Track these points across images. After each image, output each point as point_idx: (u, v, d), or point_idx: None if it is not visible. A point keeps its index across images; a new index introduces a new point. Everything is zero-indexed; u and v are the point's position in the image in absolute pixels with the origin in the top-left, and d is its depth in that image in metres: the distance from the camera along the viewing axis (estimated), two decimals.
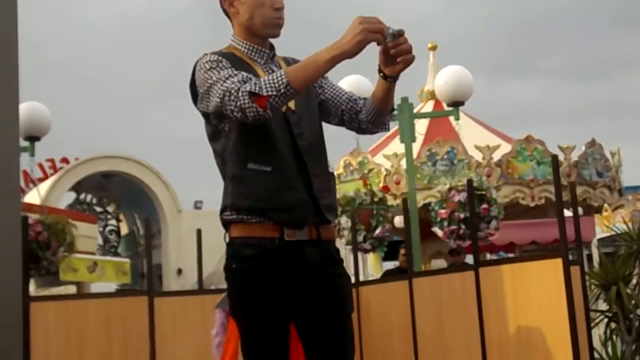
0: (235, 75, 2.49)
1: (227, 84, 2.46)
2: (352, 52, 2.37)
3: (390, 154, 13.05)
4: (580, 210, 14.12)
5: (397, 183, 12.71)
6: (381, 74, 2.54)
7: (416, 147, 11.57)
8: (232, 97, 2.43)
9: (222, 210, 2.67)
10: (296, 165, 2.61)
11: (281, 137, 2.60)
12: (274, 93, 2.39)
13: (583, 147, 13.74)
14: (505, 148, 13.24)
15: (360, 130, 2.78)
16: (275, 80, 2.40)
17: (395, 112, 2.87)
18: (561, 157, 13.38)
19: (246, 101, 2.41)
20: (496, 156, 12.86)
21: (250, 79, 2.46)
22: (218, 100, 2.49)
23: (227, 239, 2.65)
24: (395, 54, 2.44)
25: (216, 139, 2.68)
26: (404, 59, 2.45)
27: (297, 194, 2.58)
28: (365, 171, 13.22)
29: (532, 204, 12.94)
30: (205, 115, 2.64)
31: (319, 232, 2.64)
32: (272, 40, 2.74)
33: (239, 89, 2.43)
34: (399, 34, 2.41)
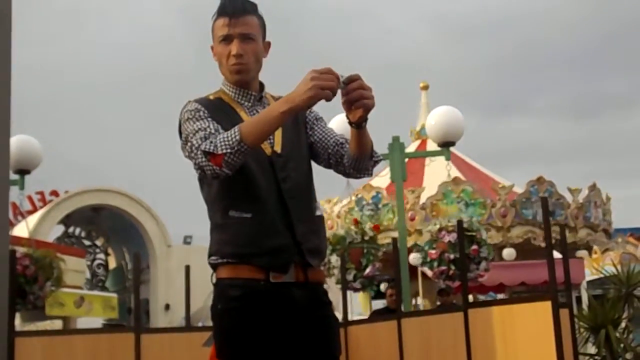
0: (203, 129, 2.52)
1: (193, 140, 2.50)
2: (302, 107, 2.39)
3: (408, 191, 13.11)
4: (585, 252, 14.19)
5: (411, 219, 12.73)
6: (348, 121, 2.55)
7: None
8: (193, 154, 2.49)
9: (209, 256, 2.69)
10: (280, 209, 2.61)
11: (264, 181, 2.60)
12: (228, 151, 2.40)
13: (586, 191, 13.87)
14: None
15: (345, 174, 2.78)
16: (229, 138, 2.41)
17: (379, 156, 2.83)
18: (569, 199, 13.50)
19: (203, 160, 2.44)
20: (422, 199, 12.93)
21: (212, 134, 2.48)
22: (186, 154, 2.56)
23: (214, 280, 2.65)
24: (350, 101, 2.43)
25: (202, 186, 2.72)
26: (361, 105, 2.44)
27: (279, 239, 2.58)
28: (380, 206, 13.28)
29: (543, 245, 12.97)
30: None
31: (306, 275, 2.63)
32: (263, 79, 2.77)
33: (198, 146, 2.47)
34: (350, 80, 2.40)
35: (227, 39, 2.67)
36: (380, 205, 13.15)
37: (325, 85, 2.33)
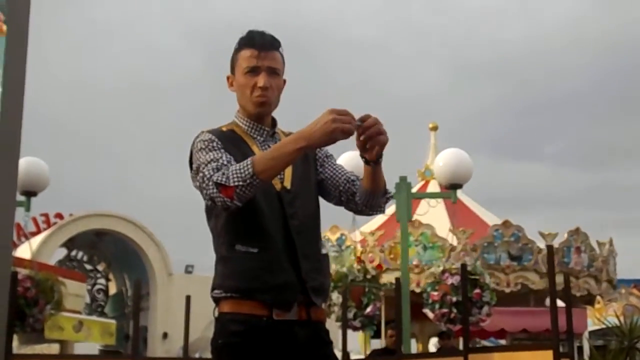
0: (216, 160, 2.51)
1: (205, 170, 2.49)
2: (319, 145, 2.41)
3: (367, 231, 13.09)
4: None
5: (371, 262, 12.61)
6: (362, 159, 2.56)
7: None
8: (204, 185, 2.47)
9: (212, 289, 2.66)
10: (285, 245, 2.59)
11: (272, 217, 2.59)
12: (240, 184, 2.39)
13: (565, 235, 13.67)
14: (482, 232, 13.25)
15: (357, 212, 2.77)
16: (242, 171, 2.40)
17: (391, 193, 2.83)
18: (541, 244, 13.32)
19: (214, 191, 2.43)
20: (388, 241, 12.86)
21: (225, 165, 2.48)
22: (198, 184, 2.54)
23: (216, 314, 2.63)
24: (369, 137, 2.45)
25: (209, 218, 2.69)
26: (378, 141, 2.46)
27: (284, 276, 2.56)
28: (429, 244, 13.18)
29: (578, 294, 12.91)
30: (201, 192, 2.66)
31: (309, 313, 2.61)
32: (276, 115, 2.78)
33: (210, 177, 2.45)
34: (363, 119, 2.42)
35: (254, 71, 2.66)
36: (343, 247, 13.09)
37: (345, 128, 2.35)
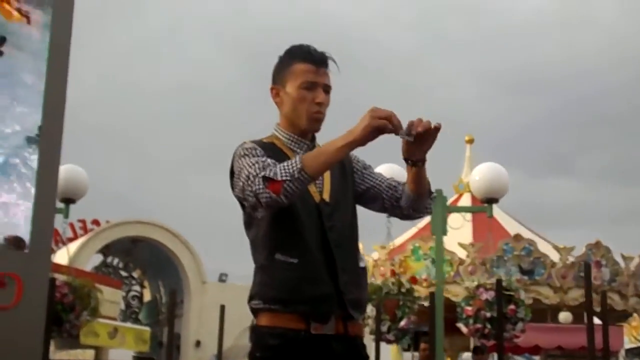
0: (261, 161, 2.52)
1: (250, 170, 2.50)
2: (362, 138, 2.39)
3: (467, 244, 13.00)
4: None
5: (472, 273, 12.56)
6: (409, 162, 2.57)
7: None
8: (249, 182, 2.46)
9: (250, 299, 2.67)
10: (324, 258, 2.59)
11: (311, 228, 2.60)
12: (288, 178, 2.40)
13: (583, 249, 13.49)
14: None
15: (403, 216, 2.78)
16: (290, 166, 2.42)
17: (434, 194, 2.85)
18: (556, 257, 13.16)
19: (260, 186, 2.42)
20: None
21: (269, 165, 2.49)
22: (241, 184, 2.53)
23: (254, 324, 2.64)
24: (424, 136, 2.45)
25: (249, 227, 2.69)
26: (430, 136, 2.46)
27: (322, 288, 2.56)
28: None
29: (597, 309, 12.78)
30: (241, 202, 2.67)
31: (347, 328, 2.61)
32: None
33: (257, 174, 2.46)
34: (411, 125, 2.43)
35: (312, 86, 2.66)
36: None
37: (382, 114, 2.36)
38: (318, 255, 2.59)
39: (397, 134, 2.40)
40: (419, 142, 2.47)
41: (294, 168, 2.41)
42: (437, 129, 2.45)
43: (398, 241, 14.14)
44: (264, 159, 2.54)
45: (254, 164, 2.51)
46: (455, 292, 11.44)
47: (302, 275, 2.55)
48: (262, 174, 2.43)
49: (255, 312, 2.64)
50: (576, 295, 12.75)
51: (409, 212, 2.75)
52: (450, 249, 12.49)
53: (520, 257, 12.84)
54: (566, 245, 13.19)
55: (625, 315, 13.63)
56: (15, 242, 4.11)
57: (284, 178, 2.40)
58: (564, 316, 13.22)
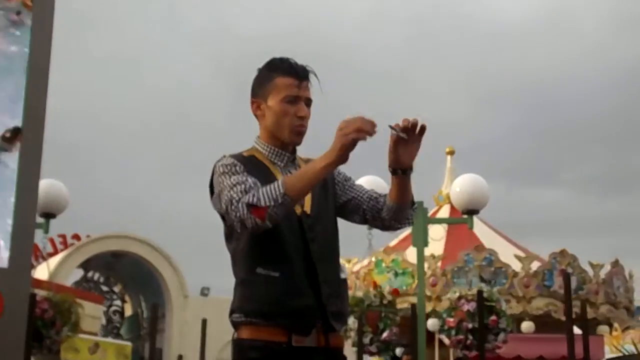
0: (242, 183, 2.52)
1: (232, 193, 2.49)
2: (340, 159, 2.42)
3: (428, 255, 13.07)
4: (606, 328, 13.96)
5: (433, 285, 12.66)
6: (398, 172, 2.59)
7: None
8: (233, 207, 2.46)
9: (231, 312, 2.67)
10: (306, 270, 2.60)
11: (293, 241, 2.61)
12: (272, 203, 2.41)
13: (609, 266, 13.71)
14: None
15: (384, 227, 2.79)
16: (273, 191, 2.42)
17: (416, 205, 2.87)
18: (590, 273, 13.33)
19: (245, 212, 2.43)
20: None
21: (252, 187, 2.49)
22: (224, 207, 2.53)
23: (235, 337, 2.63)
24: (413, 135, 2.49)
25: (229, 240, 2.69)
26: (419, 134, 2.50)
27: (304, 300, 2.57)
28: (399, 270, 13.28)
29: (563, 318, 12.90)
30: (221, 215, 2.67)
31: (328, 340, 2.62)
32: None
33: (239, 199, 2.46)
34: (405, 127, 2.47)
35: (295, 100, 2.67)
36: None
37: (351, 128, 2.37)
38: (299, 267, 2.59)
39: (371, 135, 2.43)
40: (405, 145, 2.50)
41: (277, 193, 2.41)
42: (423, 128, 2.48)
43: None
44: (244, 178, 2.54)
45: (234, 185, 2.51)
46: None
47: (283, 288, 2.56)
48: (246, 200, 2.43)
49: (236, 325, 2.64)
50: (540, 304, 12.87)
51: (390, 223, 2.76)
52: (413, 261, 12.63)
53: (482, 267, 12.97)
54: (529, 254, 13.33)
55: (596, 324, 13.67)
56: None
57: (268, 204, 2.41)
58: (527, 326, 13.22)
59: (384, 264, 13.33)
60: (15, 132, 3.84)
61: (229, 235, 2.68)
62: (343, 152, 2.40)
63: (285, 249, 2.58)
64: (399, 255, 13.23)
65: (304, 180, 2.46)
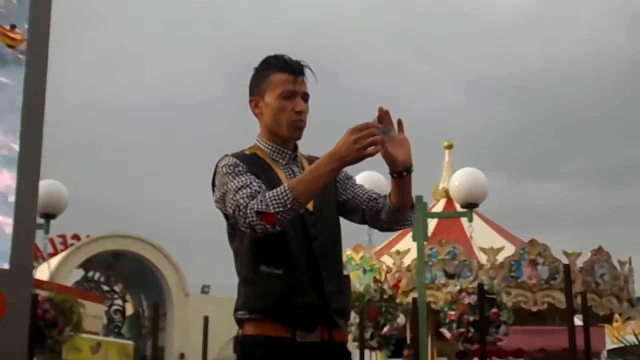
0: (247, 186, 2.53)
1: (238, 198, 2.51)
2: (351, 164, 2.45)
3: (393, 251, 13.12)
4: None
5: (399, 281, 12.66)
6: (394, 175, 2.60)
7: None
8: (241, 213, 2.48)
9: (236, 310, 2.68)
10: (309, 267, 2.61)
11: (296, 238, 2.62)
12: (281, 209, 2.42)
13: (589, 254, 13.58)
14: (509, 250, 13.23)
15: (383, 228, 2.81)
16: (281, 196, 2.43)
17: (415, 206, 2.87)
18: (565, 262, 13.26)
19: (254, 219, 2.44)
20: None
21: (259, 192, 2.50)
22: (230, 211, 2.54)
23: (239, 335, 2.65)
24: (401, 144, 2.53)
25: (232, 239, 2.71)
26: (407, 148, 2.54)
27: (308, 298, 2.58)
28: (367, 267, 13.29)
29: (534, 309, 12.89)
30: (224, 214, 2.68)
31: (332, 335, 2.63)
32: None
33: (247, 205, 2.47)
34: (387, 127, 2.50)
35: (291, 95, 2.68)
36: (366, 267, 13.30)
37: (369, 142, 2.39)
38: (303, 264, 2.61)
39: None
40: (394, 143, 2.52)
41: (286, 198, 2.43)
42: (399, 121, 2.53)
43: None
44: (249, 181, 2.55)
45: (239, 189, 2.52)
46: None
47: (287, 286, 2.57)
48: (255, 207, 2.44)
49: (240, 322, 2.65)
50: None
51: (389, 225, 2.77)
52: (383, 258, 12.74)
53: (445, 261, 12.98)
54: (493, 247, 13.29)
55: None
56: None
57: (277, 210, 2.43)
58: None
59: (353, 262, 13.44)
60: None
61: (232, 234, 2.69)
62: (352, 163, 2.44)
63: (288, 246, 2.59)
64: (367, 253, 13.29)
65: (311, 184, 2.47)
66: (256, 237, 2.52)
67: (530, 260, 13.04)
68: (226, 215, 2.67)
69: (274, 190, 2.47)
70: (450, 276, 12.58)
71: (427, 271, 12.55)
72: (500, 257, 13.10)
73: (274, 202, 2.43)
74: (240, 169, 2.60)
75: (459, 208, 10.02)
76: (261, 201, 2.45)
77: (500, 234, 14.93)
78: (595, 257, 13.66)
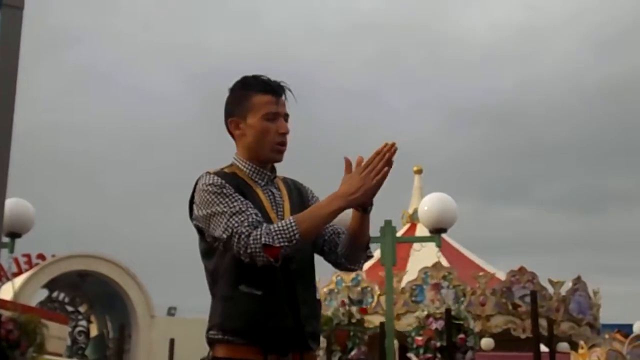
0: (244, 212, 2.50)
1: (235, 224, 2.48)
2: (360, 204, 2.51)
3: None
4: (566, 345, 14.06)
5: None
6: (359, 208, 2.58)
7: None
8: (242, 242, 2.45)
9: (209, 329, 2.63)
10: (286, 290, 2.59)
11: None
12: (286, 244, 2.42)
13: (570, 283, 13.83)
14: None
15: (336, 264, 2.77)
16: (288, 231, 2.43)
17: (371, 252, 2.87)
18: (550, 290, 13.45)
19: (258, 250, 2.43)
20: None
21: (260, 223, 2.48)
22: (224, 236, 2.50)
23: (209, 357, 2.61)
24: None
25: (209, 257, 2.65)
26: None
27: (284, 321, 2.56)
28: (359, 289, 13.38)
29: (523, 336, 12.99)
30: (200, 231, 2.64)
31: (303, 359, 2.62)
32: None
33: (249, 234, 2.44)
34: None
35: (274, 117, 2.66)
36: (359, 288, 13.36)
37: (360, 196, 2.45)
38: (281, 287, 2.58)
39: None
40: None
41: (292, 234, 2.43)
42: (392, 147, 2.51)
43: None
44: (244, 207, 2.52)
45: (234, 214, 2.50)
46: None
47: (265, 307, 2.54)
48: (261, 240, 2.43)
49: (211, 343, 2.61)
50: (409, 320, 13.02)
51: (341, 261, 2.75)
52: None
53: (349, 287, 13.35)
54: (486, 273, 13.47)
55: (557, 341, 13.67)
56: None
57: (282, 244, 2.43)
58: (485, 342, 13.31)
59: (344, 283, 13.48)
60: None
61: (210, 252, 2.64)
62: (367, 200, 2.50)
63: (269, 268, 2.56)
64: (450, 272, 13.32)
65: (318, 222, 2.49)
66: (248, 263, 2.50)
67: (434, 284, 13.29)
68: (202, 233, 2.63)
69: (280, 224, 2.47)
70: (354, 303, 12.76)
71: (334, 298, 12.92)
72: (403, 282, 13.43)
73: (279, 236, 2.43)
74: (228, 190, 2.56)
75: (422, 233, 10.10)
76: (267, 234, 2.43)
77: (466, 259, 15.03)
78: (575, 286, 13.90)
